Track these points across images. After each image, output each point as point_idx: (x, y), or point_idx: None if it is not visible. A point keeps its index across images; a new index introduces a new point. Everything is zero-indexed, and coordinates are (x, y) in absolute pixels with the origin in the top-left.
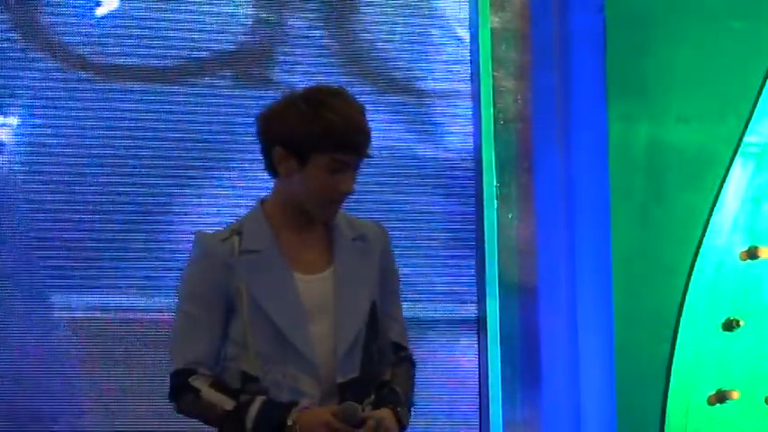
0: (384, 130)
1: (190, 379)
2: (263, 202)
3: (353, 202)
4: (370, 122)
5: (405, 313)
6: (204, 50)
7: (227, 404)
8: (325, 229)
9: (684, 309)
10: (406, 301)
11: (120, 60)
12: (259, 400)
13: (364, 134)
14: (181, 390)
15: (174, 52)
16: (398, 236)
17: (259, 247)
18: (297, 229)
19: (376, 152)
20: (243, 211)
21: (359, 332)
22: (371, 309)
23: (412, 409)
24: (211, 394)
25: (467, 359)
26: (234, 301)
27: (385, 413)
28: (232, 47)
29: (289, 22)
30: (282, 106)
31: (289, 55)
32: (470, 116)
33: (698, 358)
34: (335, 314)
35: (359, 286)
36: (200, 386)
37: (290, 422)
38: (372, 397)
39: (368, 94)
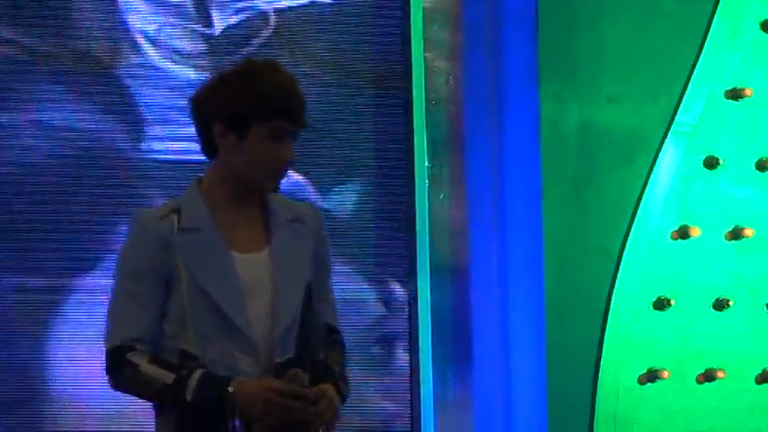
0: (314, 110)
1: (128, 355)
2: (199, 181)
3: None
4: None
5: (336, 293)
6: None
7: (167, 378)
8: (261, 209)
9: (615, 288)
10: (337, 280)
11: None
12: (198, 372)
13: (300, 101)
14: (118, 365)
15: None
16: (330, 216)
17: (197, 226)
18: (234, 208)
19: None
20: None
21: (296, 312)
22: (307, 290)
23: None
24: (151, 369)
25: (398, 339)
26: (172, 279)
27: (327, 386)
28: None
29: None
30: (215, 84)
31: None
32: (402, 96)
33: (629, 338)
34: (273, 294)
35: (295, 267)
36: (138, 361)
37: (230, 389)
38: (308, 376)
39: (300, 75)
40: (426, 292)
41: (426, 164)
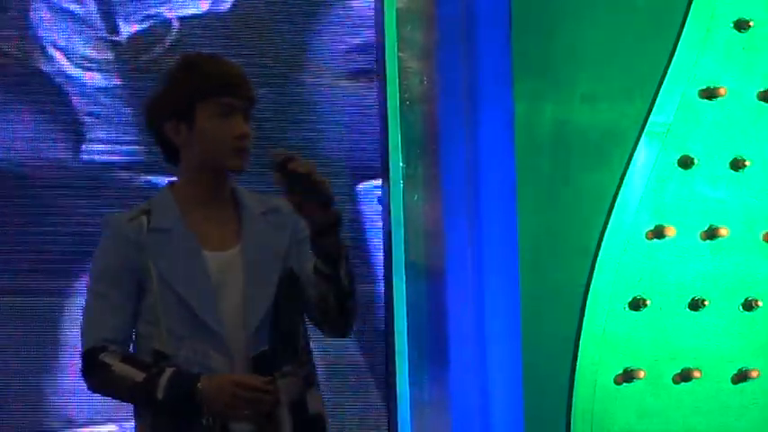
0: (287, 111)
1: (101, 355)
2: (171, 184)
3: (256, 182)
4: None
5: None
6: None
7: (138, 376)
8: (233, 205)
9: (591, 289)
10: None
11: None
12: (169, 370)
13: (239, 76)
14: (92, 367)
15: None
16: None
17: (167, 226)
18: (204, 206)
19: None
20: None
21: (269, 305)
22: (285, 278)
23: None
24: (122, 368)
25: (374, 341)
26: (143, 280)
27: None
28: None
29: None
30: (156, 87)
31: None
32: (375, 97)
33: (605, 338)
34: (244, 289)
35: (269, 259)
36: (110, 361)
37: (199, 386)
38: (288, 368)
39: (273, 76)
40: (402, 294)
41: (401, 164)
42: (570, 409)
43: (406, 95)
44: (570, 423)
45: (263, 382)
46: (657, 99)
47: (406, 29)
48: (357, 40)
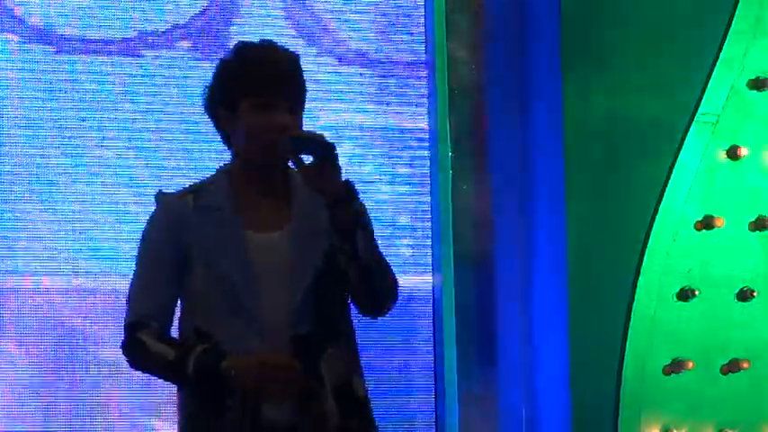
0: (339, 101)
1: (138, 333)
2: (224, 166)
3: None
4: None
5: None
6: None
7: (170, 354)
8: (284, 187)
9: (640, 279)
10: None
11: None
12: (199, 348)
13: (282, 75)
14: (130, 344)
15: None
16: None
17: (214, 205)
18: (253, 188)
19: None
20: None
21: (310, 287)
22: (330, 258)
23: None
24: (156, 346)
25: (422, 331)
26: (187, 258)
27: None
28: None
29: None
30: (213, 75)
31: (244, 26)
32: (425, 86)
33: (653, 328)
34: (285, 272)
35: (313, 241)
36: (146, 339)
37: (224, 364)
38: (331, 350)
39: (323, 64)
40: (450, 284)
41: (450, 154)
42: (618, 401)
43: (455, 85)
44: (618, 414)
45: (287, 362)
46: (707, 90)
47: (455, 17)
48: (407, 30)
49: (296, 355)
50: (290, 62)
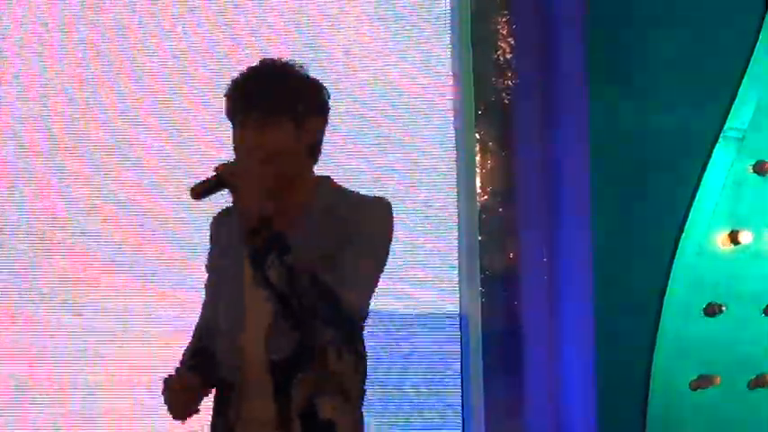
0: (363, 118)
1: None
2: None
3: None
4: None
5: (388, 304)
6: None
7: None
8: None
9: (666, 294)
10: (384, 286)
11: None
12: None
13: (243, 98)
14: None
15: None
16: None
17: (227, 220)
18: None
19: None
20: None
21: (279, 314)
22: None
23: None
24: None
25: (448, 347)
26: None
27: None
28: None
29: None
30: None
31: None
32: (451, 101)
33: (680, 344)
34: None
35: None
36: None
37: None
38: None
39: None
40: (477, 300)
41: (476, 169)
42: (645, 416)
43: (482, 99)
44: (645, 429)
45: (175, 380)
46: (734, 104)
47: (481, 27)
48: (433, 42)
49: (272, 378)
50: (267, 76)
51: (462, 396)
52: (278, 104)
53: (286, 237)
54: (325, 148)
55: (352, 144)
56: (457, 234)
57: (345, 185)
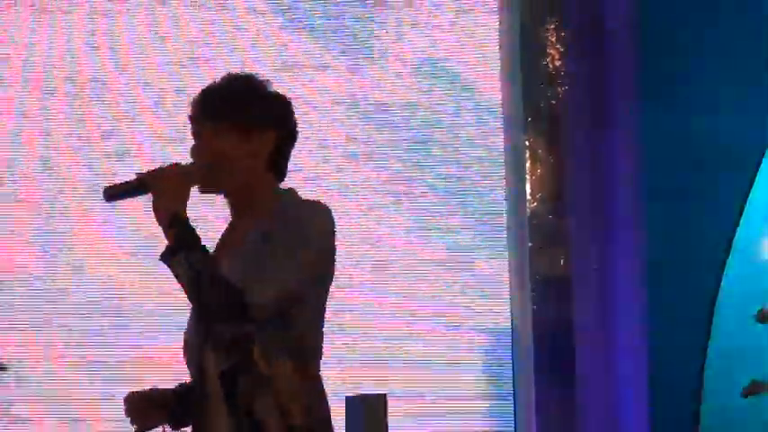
0: (410, 128)
1: None
2: None
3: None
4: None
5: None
6: None
7: None
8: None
9: (718, 300)
10: (432, 292)
11: None
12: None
13: (199, 102)
14: None
15: None
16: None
17: (224, 230)
18: (235, 213)
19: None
20: None
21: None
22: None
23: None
24: None
25: (499, 353)
26: None
27: None
28: None
29: None
30: None
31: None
32: (499, 106)
33: (732, 350)
34: None
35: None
36: None
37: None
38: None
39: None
40: (528, 304)
41: (527, 175)
42: (698, 422)
43: (532, 105)
44: None
45: (127, 399)
46: None
47: (531, 37)
48: (481, 54)
49: (222, 388)
50: (219, 87)
51: (514, 405)
52: (221, 112)
53: (194, 235)
54: (378, 156)
55: (404, 152)
56: (506, 241)
57: (400, 193)
